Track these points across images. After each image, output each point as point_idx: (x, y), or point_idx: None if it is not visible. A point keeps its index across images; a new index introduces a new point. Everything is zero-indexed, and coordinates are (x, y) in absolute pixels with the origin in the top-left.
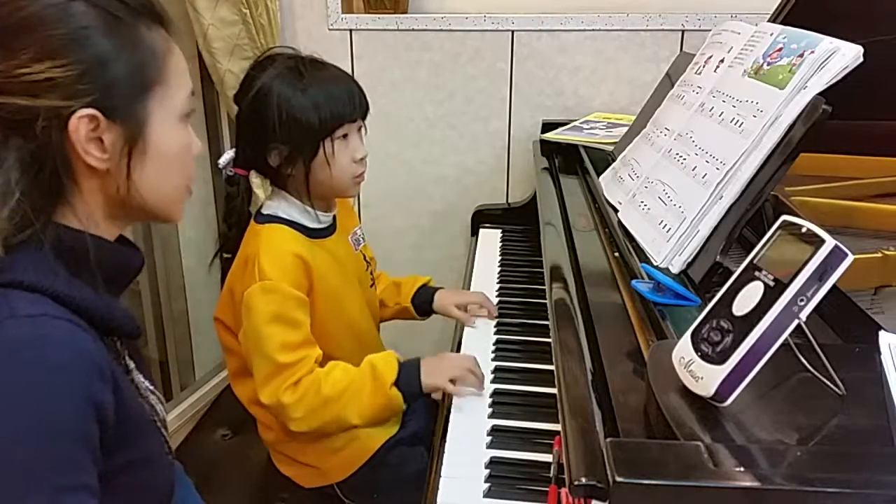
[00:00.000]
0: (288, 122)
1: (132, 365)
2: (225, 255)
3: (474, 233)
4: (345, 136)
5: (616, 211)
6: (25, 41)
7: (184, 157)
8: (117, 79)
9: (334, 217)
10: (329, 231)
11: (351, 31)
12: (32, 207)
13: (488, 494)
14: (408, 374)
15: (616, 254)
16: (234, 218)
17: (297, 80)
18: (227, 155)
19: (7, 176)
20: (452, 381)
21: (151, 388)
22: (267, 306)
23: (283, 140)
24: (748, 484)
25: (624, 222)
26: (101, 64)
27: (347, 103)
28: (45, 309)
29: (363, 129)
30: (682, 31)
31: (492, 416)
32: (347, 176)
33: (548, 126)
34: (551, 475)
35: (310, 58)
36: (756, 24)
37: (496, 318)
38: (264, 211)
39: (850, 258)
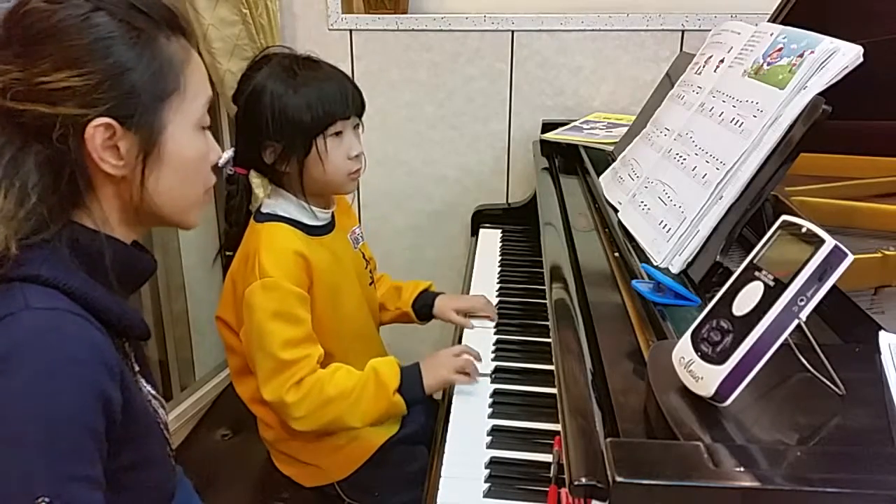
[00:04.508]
0: (280, 119)
1: (137, 368)
2: (227, 253)
3: (474, 233)
4: (338, 133)
5: (616, 211)
6: (47, 50)
7: (199, 165)
8: (134, 88)
9: (333, 215)
10: (328, 229)
11: (351, 31)
12: (49, 211)
13: (488, 494)
14: (409, 380)
15: (616, 254)
16: (235, 216)
17: (290, 79)
18: (227, 154)
19: (25, 179)
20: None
21: (153, 392)
22: (268, 303)
23: (277, 138)
24: (748, 484)
25: (624, 222)
26: (119, 74)
27: (340, 101)
28: (59, 303)
29: (360, 127)
30: (682, 31)
31: (492, 416)
32: (342, 173)
33: (548, 126)
34: (551, 475)
35: (304, 56)
36: (756, 24)
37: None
38: (263, 209)
39: (850, 258)
